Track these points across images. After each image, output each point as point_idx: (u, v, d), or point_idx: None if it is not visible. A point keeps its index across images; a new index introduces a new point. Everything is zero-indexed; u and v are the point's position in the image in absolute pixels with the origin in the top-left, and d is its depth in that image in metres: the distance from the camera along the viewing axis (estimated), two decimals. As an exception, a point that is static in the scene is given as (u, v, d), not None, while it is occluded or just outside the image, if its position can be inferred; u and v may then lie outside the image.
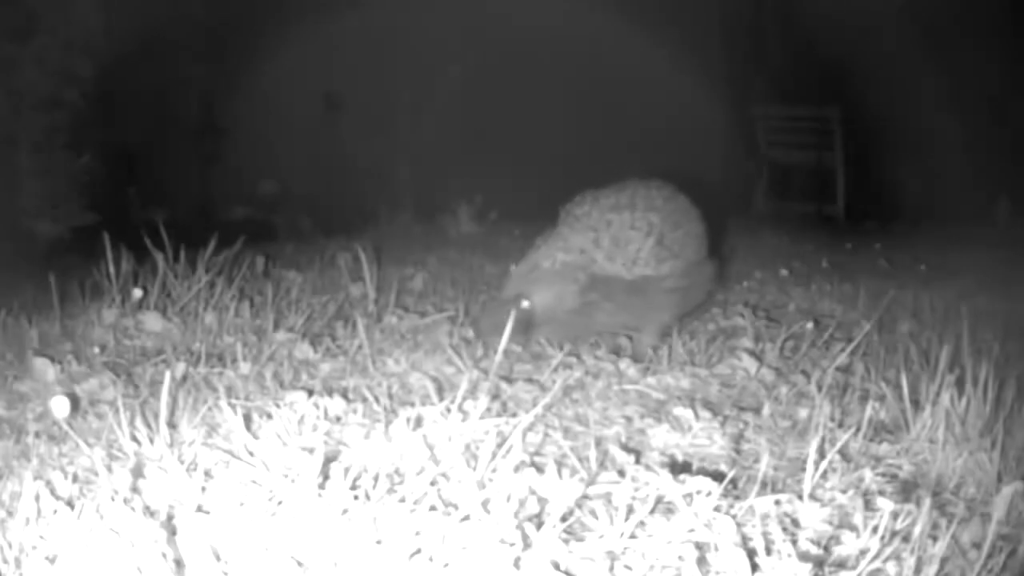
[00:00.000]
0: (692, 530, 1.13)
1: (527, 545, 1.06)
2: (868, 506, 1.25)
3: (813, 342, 2.13)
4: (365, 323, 2.09)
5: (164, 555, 1.03)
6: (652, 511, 1.18)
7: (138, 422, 1.44)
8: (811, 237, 4.06)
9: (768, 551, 1.12)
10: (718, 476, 1.24)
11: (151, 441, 1.40)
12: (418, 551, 1.05)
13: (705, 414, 1.65)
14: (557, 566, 1.04)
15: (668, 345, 2.07)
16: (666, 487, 1.22)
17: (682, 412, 1.66)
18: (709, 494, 1.19)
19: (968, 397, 1.54)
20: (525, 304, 1.98)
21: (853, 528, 1.18)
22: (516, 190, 4.43)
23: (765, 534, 1.15)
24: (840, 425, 1.60)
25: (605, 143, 5.28)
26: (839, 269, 3.26)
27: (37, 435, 1.50)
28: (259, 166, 5.42)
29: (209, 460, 1.36)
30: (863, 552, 1.12)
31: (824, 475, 1.34)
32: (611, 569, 1.06)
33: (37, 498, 1.16)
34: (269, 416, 1.51)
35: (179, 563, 1.03)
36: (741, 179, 5.82)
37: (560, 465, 1.30)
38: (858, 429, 1.53)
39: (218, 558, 1.05)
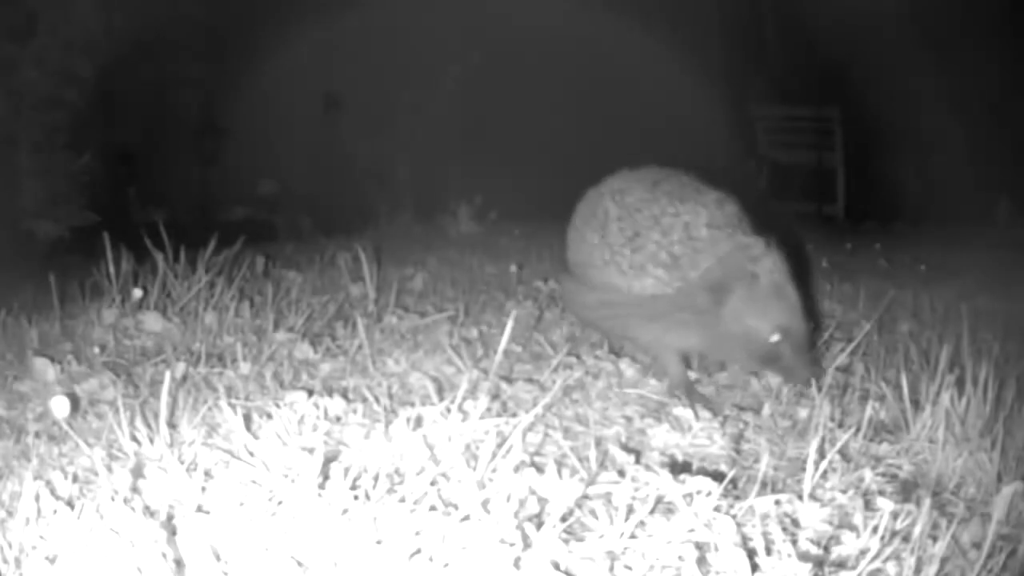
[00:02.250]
0: (692, 530, 1.13)
1: (527, 545, 1.06)
2: (868, 506, 1.25)
3: (813, 342, 2.13)
4: (365, 323, 2.09)
5: (164, 555, 1.03)
6: (652, 511, 1.18)
7: (138, 422, 1.44)
8: (811, 237, 4.06)
9: (768, 551, 1.12)
10: (718, 476, 1.24)
11: (151, 441, 1.40)
12: (418, 551, 1.04)
13: (705, 414, 1.65)
14: (557, 566, 1.04)
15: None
16: (666, 487, 1.22)
17: (682, 412, 1.66)
18: (709, 494, 1.19)
19: (968, 397, 1.54)
20: (775, 338, 1.71)
21: (853, 528, 1.18)
22: (516, 190, 4.43)
23: (765, 534, 1.15)
24: (840, 425, 1.60)
25: (605, 143, 5.28)
26: (839, 269, 3.26)
27: (37, 435, 1.50)
28: (259, 166, 5.42)
29: (209, 460, 1.36)
30: (863, 552, 1.12)
31: (824, 475, 1.34)
32: (611, 569, 1.06)
33: (37, 498, 1.16)
34: (269, 416, 1.51)
35: (179, 563, 1.03)
36: (741, 179, 5.81)
37: (560, 465, 1.30)
38: (858, 429, 1.53)
39: (218, 558, 1.05)
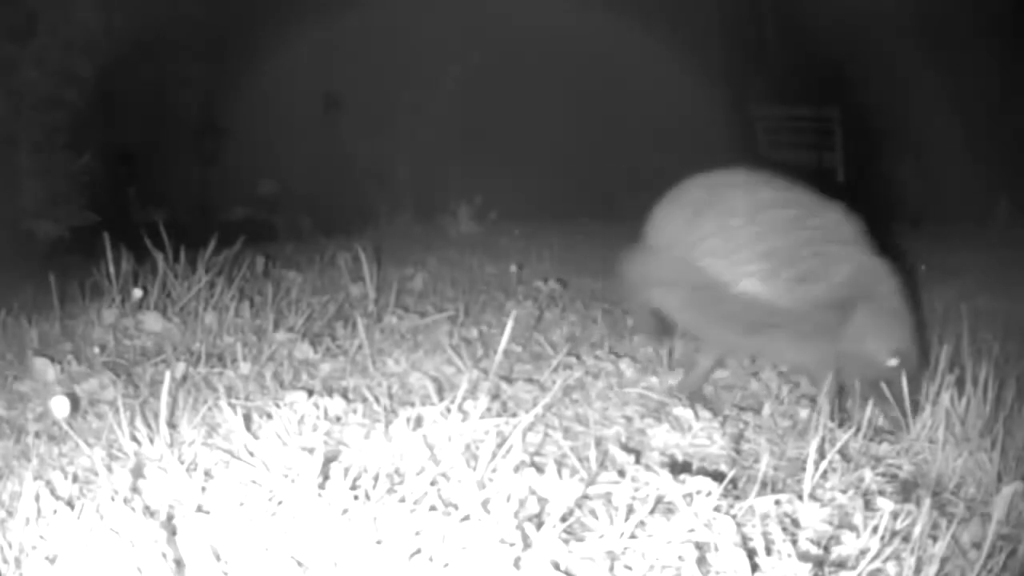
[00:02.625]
0: (692, 530, 1.13)
1: (527, 545, 1.06)
2: (868, 506, 1.25)
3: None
4: (365, 323, 2.09)
5: (164, 555, 1.03)
6: (652, 511, 1.18)
7: (138, 422, 1.44)
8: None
9: (768, 551, 1.12)
10: (718, 476, 1.24)
11: (151, 441, 1.40)
12: (418, 551, 1.05)
13: (705, 414, 1.65)
14: (557, 566, 1.04)
15: (669, 346, 2.06)
16: (666, 487, 1.22)
17: (682, 412, 1.66)
18: (709, 494, 1.19)
19: (968, 397, 1.54)
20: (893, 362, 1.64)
21: (853, 528, 1.18)
22: (516, 190, 4.43)
23: (765, 534, 1.15)
24: (840, 425, 1.60)
25: (604, 143, 5.28)
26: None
27: (37, 435, 1.50)
28: (259, 166, 5.42)
29: (209, 460, 1.36)
30: (863, 552, 1.12)
31: (824, 475, 1.34)
32: (611, 569, 1.06)
33: (37, 498, 1.16)
34: (269, 416, 1.51)
35: (179, 563, 1.03)
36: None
37: (560, 465, 1.30)
38: (858, 429, 1.53)
39: (218, 558, 1.05)
